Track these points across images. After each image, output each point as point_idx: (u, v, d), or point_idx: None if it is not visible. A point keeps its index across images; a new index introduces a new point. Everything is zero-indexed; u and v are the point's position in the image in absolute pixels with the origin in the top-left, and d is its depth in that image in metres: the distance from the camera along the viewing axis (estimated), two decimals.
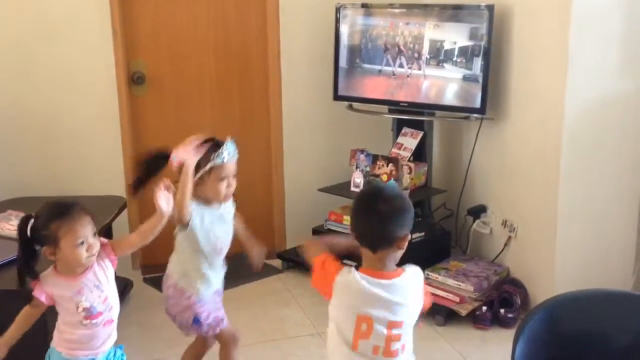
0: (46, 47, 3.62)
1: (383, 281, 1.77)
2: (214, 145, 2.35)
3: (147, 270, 3.94)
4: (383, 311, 1.76)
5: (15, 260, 2.62)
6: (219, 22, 3.92)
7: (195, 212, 2.36)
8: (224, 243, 2.49)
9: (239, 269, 3.93)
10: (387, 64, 3.69)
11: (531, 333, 1.65)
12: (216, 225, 2.43)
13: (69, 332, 2.08)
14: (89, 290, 2.05)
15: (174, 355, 3.07)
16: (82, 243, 1.99)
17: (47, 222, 1.98)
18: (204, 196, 2.40)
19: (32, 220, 2.01)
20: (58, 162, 3.75)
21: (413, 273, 1.85)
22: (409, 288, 1.82)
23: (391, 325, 1.78)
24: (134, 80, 3.81)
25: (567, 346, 1.70)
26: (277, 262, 4.02)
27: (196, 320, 2.46)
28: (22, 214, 3.02)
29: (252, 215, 4.15)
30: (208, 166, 2.33)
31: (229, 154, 2.36)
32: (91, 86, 3.71)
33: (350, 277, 1.78)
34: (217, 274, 2.52)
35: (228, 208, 2.50)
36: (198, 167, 2.32)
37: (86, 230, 2.00)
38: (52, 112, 3.69)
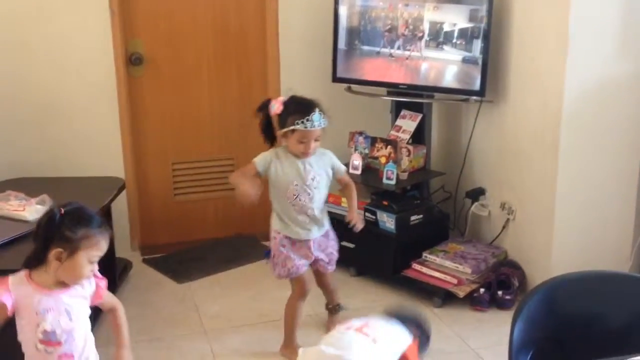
0: (43, 27, 3.59)
1: None
2: (304, 107, 2.70)
3: (146, 251, 3.95)
4: None
5: (15, 240, 2.68)
6: (217, 3, 3.89)
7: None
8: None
9: (237, 251, 3.98)
10: (386, 46, 3.68)
11: (529, 314, 1.66)
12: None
13: (24, 350, 1.87)
14: (57, 312, 1.83)
15: (173, 334, 3.10)
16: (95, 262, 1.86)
17: (76, 225, 1.81)
18: (290, 149, 2.76)
19: (58, 216, 1.82)
20: (57, 143, 3.74)
21: None
22: None
23: None
24: (131, 61, 3.79)
25: (565, 327, 1.71)
26: None
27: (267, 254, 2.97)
28: (21, 194, 3.05)
29: None
30: (291, 128, 2.68)
31: (311, 123, 2.67)
32: (89, 67, 3.69)
33: None
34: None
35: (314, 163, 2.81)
36: (284, 123, 2.70)
37: (103, 250, 1.87)
38: (50, 92, 3.68)
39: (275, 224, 2.85)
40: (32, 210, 2.91)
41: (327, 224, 2.92)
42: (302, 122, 2.66)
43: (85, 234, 1.81)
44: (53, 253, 1.80)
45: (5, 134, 3.64)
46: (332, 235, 2.94)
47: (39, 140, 3.71)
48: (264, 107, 2.77)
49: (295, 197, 2.76)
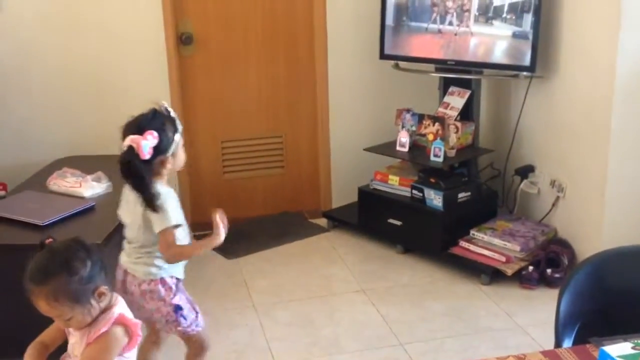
0: (95, 7, 3.66)
1: None
2: (166, 116, 2.22)
3: (196, 227, 3.99)
4: None
5: (73, 216, 2.77)
6: None
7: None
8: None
9: (285, 227, 4.03)
10: (435, 22, 3.65)
11: (577, 287, 1.66)
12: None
13: None
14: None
15: (223, 308, 3.16)
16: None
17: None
18: (176, 169, 2.32)
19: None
20: (109, 122, 3.78)
21: None
22: None
23: None
24: (182, 40, 3.85)
25: (612, 300, 1.69)
26: (323, 221, 4.06)
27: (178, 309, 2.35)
28: (77, 171, 3.14)
29: (298, 175, 4.21)
30: (177, 137, 2.20)
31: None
32: (140, 46, 3.76)
33: None
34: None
35: None
36: (168, 144, 2.17)
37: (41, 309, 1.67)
38: (102, 72, 3.76)
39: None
40: (88, 186, 3.01)
41: None
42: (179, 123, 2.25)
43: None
44: None
45: (62, 113, 3.75)
46: None
47: (94, 119, 3.79)
48: (129, 156, 2.11)
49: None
